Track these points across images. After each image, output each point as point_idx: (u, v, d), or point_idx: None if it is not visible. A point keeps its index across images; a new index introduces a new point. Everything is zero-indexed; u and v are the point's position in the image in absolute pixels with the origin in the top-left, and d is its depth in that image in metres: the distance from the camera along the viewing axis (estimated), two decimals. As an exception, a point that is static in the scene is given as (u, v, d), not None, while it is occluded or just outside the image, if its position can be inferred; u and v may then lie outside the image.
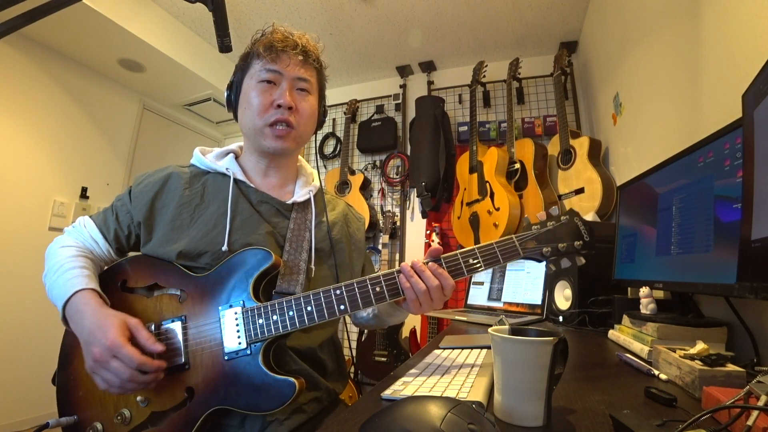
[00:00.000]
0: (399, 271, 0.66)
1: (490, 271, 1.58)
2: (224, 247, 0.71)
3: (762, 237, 0.48)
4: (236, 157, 0.85)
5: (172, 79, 2.57)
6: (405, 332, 2.29)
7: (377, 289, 0.65)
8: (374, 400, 0.51)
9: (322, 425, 0.45)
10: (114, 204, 0.80)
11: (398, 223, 2.52)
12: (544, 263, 0.68)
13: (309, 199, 0.84)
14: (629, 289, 1.05)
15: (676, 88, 1.13)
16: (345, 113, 2.77)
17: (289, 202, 0.81)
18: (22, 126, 2.10)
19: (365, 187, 2.60)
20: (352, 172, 2.63)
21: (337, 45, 2.54)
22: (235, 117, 0.82)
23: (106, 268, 0.77)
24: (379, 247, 2.45)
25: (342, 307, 0.65)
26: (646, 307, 0.80)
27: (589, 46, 2.18)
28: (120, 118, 2.64)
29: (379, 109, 2.79)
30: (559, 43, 2.40)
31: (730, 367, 0.50)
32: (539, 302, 1.30)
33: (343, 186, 2.58)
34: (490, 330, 0.45)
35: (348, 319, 1.01)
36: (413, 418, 0.34)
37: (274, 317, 0.65)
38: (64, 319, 0.67)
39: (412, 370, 0.61)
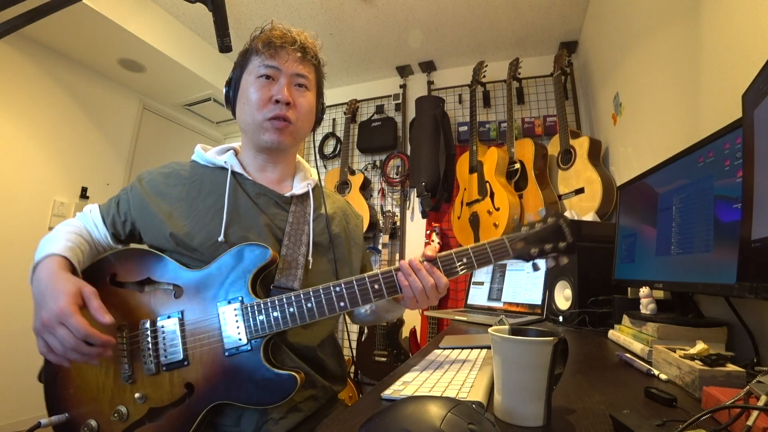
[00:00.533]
0: (397, 269, 0.68)
1: (490, 271, 1.58)
2: (220, 238, 0.71)
3: (762, 237, 0.48)
4: (236, 154, 0.85)
5: (172, 79, 2.57)
6: (405, 332, 2.29)
7: (376, 286, 0.67)
8: (374, 400, 0.51)
9: (321, 425, 0.45)
10: (119, 193, 0.82)
11: (398, 223, 2.52)
12: (532, 263, 0.72)
13: (308, 192, 0.84)
14: (629, 289, 1.04)
15: (676, 88, 1.13)
16: (345, 113, 2.76)
17: (288, 194, 0.81)
18: (23, 126, 2.10)
19: (365, 187, 2.60)
20: (352, 172, 2.63)
21: (337, 45, 2.54)
22: (234, 113, 0.83)
23: (105, 254, 0.76)
24: (379, 247, 2.45)
25: (342, 304, 0.66)
26: (646, 307, 0.80)
27: (589, 46, 2.18)
28: (120, 118, 2.64)
29: (379, 109, 2.79)
30: (559, 43, 2.40)
31: (730, 367, 0.50)
32: (539, 302, 1.30)
33: (343, 186, 2.58)
34: (490, 330, 0.46)
35: (348, 319, 1.01)
36: (413, 418, 0.34)
37: (275, 314, 0.65)
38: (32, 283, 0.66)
39: (412, 370, 0.61)
